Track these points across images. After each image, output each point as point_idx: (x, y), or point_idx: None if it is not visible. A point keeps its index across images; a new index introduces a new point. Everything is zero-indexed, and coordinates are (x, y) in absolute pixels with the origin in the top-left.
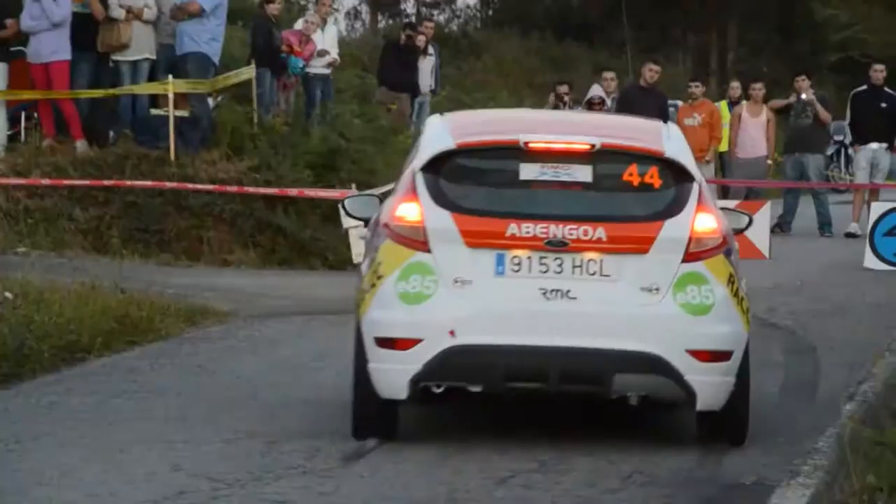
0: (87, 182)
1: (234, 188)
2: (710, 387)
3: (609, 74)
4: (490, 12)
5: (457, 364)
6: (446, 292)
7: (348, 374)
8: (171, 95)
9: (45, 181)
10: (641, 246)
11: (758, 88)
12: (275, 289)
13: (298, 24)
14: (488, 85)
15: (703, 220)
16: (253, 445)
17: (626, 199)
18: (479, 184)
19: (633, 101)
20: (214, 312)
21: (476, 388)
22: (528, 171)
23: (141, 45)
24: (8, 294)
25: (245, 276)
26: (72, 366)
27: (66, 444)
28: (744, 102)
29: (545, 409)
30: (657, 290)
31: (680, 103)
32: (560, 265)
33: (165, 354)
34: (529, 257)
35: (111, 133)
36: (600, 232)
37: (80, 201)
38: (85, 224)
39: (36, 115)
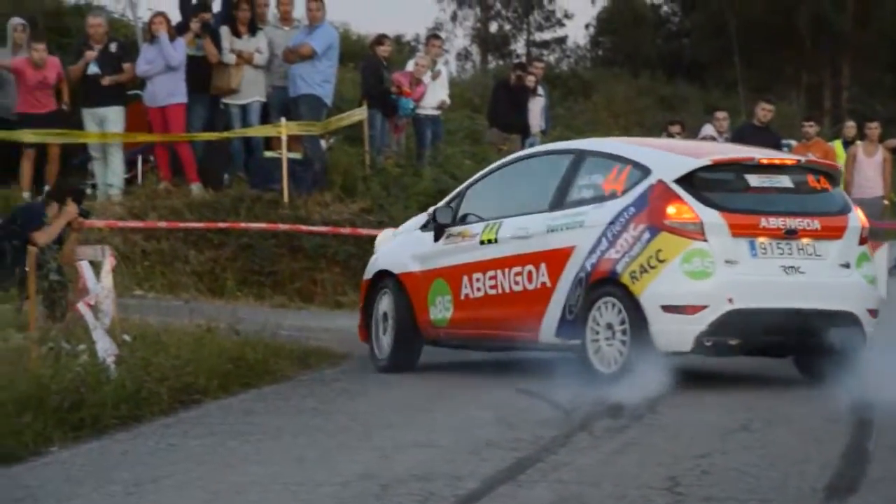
0: (202, 224)
1: (347, 230)
2: (870, 335)
3: (721, 114)
4: (600, 52)
5: (732, 323)
6: (722, 270)
7: (461, 415)
8: (283, 138)
9: (162, 224)
10: (839, 233)
11: (873, 127)
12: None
13: (409, 66)
14: (599, 125)
15: (860, 214)
16: (367, 488)
17: (821, 199)
18: (729, 190)
19: (747, 140)
20: (328, 354)
21: (737, 342)
22: (754, 181)
23: (251, 89)
24: (126, 337)
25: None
26: (189, 408)
27: (185, 487)
28: (859, 142)
29: (661, 447)
30: (849, 265)
31: (794, 143)
32: (791, 249)
33: (280, 396)
34: (771, 243)
35: (225, 176)
36: (815, 224)
37: (196, 244)
38: (200, 266)
39: (152, 158)
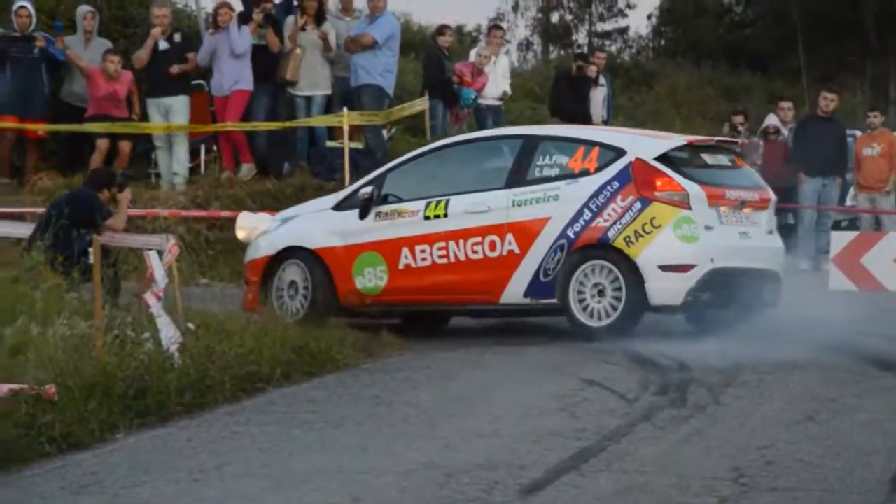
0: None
1: None
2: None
3: (786, 104)
4: (662, 42)
5: (713, 280)
6: (704, 235)
7: (523, 405)
8: (346, 127)
9: (225, 213)
10: (766, 204)
11: None
12: (452, 320)
13: (471, 56)
14: (661, 115)
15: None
16: (431, 477)
17: (748, 175)
18: (695, 166)
19: (811, 131)
20: (391, 343)
21: (712, 296)
22: (709, 159)
23: (317, 80)
24: (190, 325)
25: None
26: (252, 396)
27: (248, 475)
28: None
29: (726, 437)
30: (772, 232)
31: (858, 133)
32: (740, 218)
33: (343, 385)
34: (730, 212)
35: (285, 165)
36: (755, 196)
37: None
38: None
39: (215, 148)
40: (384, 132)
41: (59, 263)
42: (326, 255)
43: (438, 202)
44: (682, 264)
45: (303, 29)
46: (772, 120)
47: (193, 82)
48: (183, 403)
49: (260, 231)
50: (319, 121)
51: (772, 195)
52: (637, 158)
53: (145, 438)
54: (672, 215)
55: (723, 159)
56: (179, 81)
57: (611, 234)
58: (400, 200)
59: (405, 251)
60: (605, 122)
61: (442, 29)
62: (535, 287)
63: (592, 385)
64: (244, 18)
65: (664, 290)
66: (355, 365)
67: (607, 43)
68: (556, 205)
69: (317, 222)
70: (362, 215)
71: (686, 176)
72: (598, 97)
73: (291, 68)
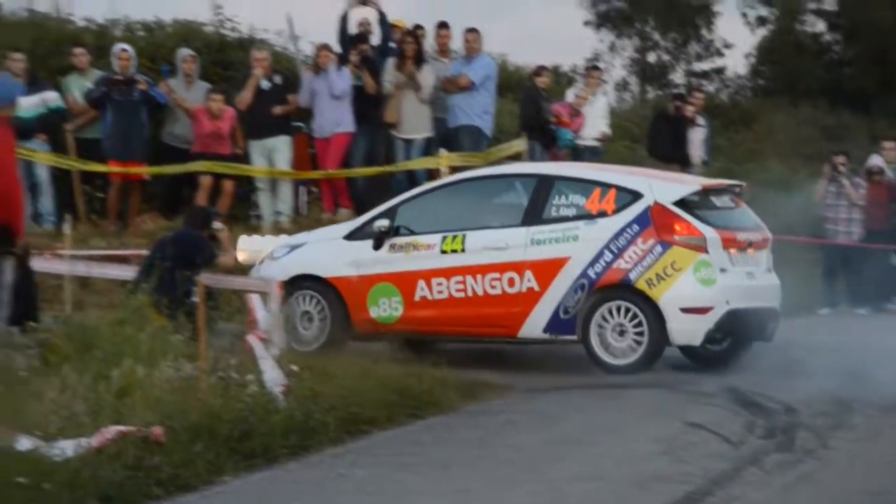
0: None
1: None
2: None
3: (889, 144)
4: (760, 81)
5: (728, 320)
6: (721, 277)
7: (626, 448)
8: (443, 169)
9: None
10: (766, 244)
11: None
12: (554, 361)
13: (568, 97)
14: (759, 155)
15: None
16: None
17: (747, 214)
18: (707, 209)
19: None
20: (493, 386)
21: (726, 335)
22: (717, 202)
23: (417, 123)
24: (294, 367)
25: (521, 348)
26: (357, 438)
27: None
28: None
29: (835, 482)
30: (770, 270)
31: None
32: (746, 258)
33: (447, 427)
34: (738, 254)
35: None
36: (758, 236)
37: None
38: None
39: (315, 189)
40: None
41: (164, 305)
42: (340, 284)
43: (455, 237)
44: (701, 306)
45: (401, 70)
46: (875, 160)
47: (293, 124)
48: (288, 446)
49: (263, 255)
50: (418, 163)
51: (769, 234)
52: (656, 202)
53: (252, 481)
54: (691, 259)
55: (727, 201)
56: (281, 123)
57: (632, 275)
58: (412, 233)
59: (421, 283)
60: (705, 163)
61: (539, 70)
62: (555, 323)
63: (696, 428)
64: (343, 60)
65: (685, 331)
66: (458, 407)
67: (704, 83)
68: (575, 245)
69: (329, 251)
70: (376, 246)
71: (701, 220)
72: (697, 137)
73: (391, 110)
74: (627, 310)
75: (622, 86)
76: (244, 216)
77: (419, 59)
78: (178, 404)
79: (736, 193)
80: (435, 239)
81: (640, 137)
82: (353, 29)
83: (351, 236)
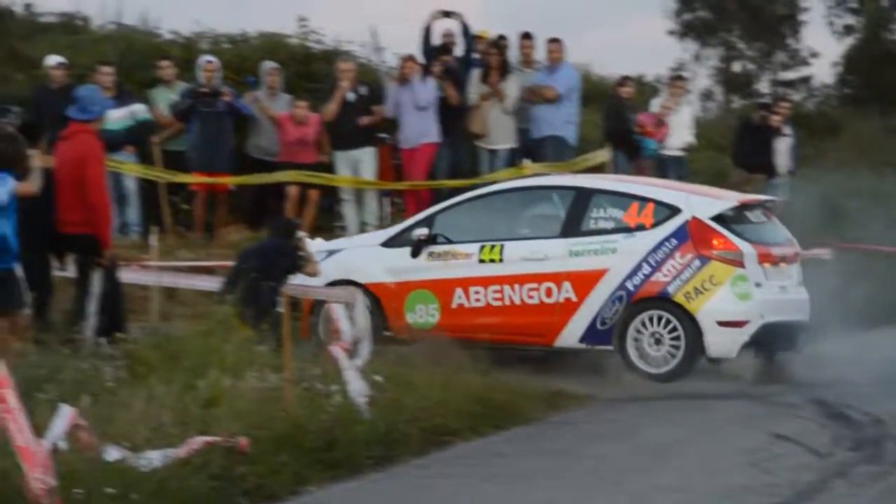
0: None
1: None
2: None
3: None
4: (847, 91)
5: (762, 333)
6: (755, 291)
7: (712, 459)
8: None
9: None
10: (796, 258)
11: None
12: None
13: (654, 106)
14: (847, 164)
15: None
16: None
17: (778, 229)
18: (743, 224)
19: None
20: (575, 396)
21: (760, 347)
22: (752, 216)
23: (501, 134)
24: (378, 377)
25: (601, 358)
26: (441, 449)
27: None
28: None
29: None
30: (801, 284)
31: None
32: (780, 272)
33: (530, 438)
34: (772, 268)
35: None
36: (789, 251)
37: None
38: None
39: (399, 200)
40: None
41: (249, 316)
42: (378, 290)
43: (493, 247)
44: (738, 320)
45: (486, 82)
46: None
47: (378, 135)
48: (372, 456)
49: None
50: (503, 174)
51: (799, 249)
52: (694, 217)
53: (337, 491)
54: (729, 273)
55: (759, 215)
56: (366, 134)
57: (671, 288)
58: (449, 241)
59: (458, 291)
60: (791, 173)
61: (623, 80)
62: (592, 334)
63: (783, 439)
64: (426, 71)
65: (722, 343)
66: (541, 418)
67: (790, 92)
68: (614, 257)
69: (367, 258)
70: (415, 254)
71: (737, 234)
72: (783, 147)
73: (476, 121)
74: (663, 319)
75: (707, 95)
76: (329, 227)
77: (504, 70)
78: (264, 415)
79: (767, 208)
80: (473, 248)
81: (724, 147)
82: (436, 40)
83: (388, 243)
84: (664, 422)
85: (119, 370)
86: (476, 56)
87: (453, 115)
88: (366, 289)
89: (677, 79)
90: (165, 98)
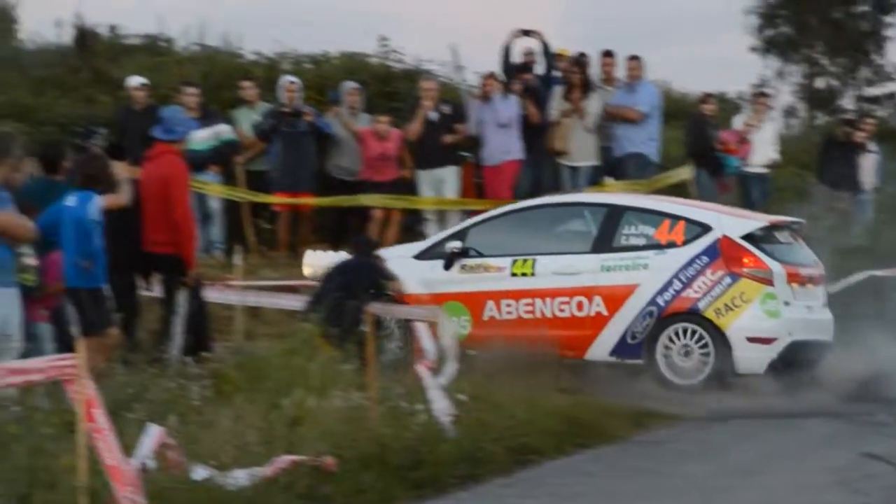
0: None
1: None
2: None
3: None
4: None
5: (790, 351)
6: (785, 310)
7: (800, 478)
8: None
9: None
10: (821, 280)
11: None
12: (720, 389)
13: (737, 123)
14: None
15: None
16: None
17: (805, 250)
18: (772, 244)
19: None
20: (660, 415)
21: (786, 365)
22: (781, 237)
23: (583, 152)
24: (462, 396)
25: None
26: (526, 468)
27: None
28: None
29: None
30: (825, 305)
31: None
32: (807, 293)
33: (616, 457)
34: (800, 288)
35: None
36: (816, 272)
37: None
38: None
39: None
40: None
41: (333, 335)
42: (410, 301)
43: (525, 261)
44: (767, 337)
45: (568, 99)
46: None
47: (460, 154)
48: (457, 475)
49: (325, 268)
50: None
51: (823, 270)
52: (724, 236)
53: None
54: (758, 291)
55: (787, 236)
56: (449, 153)
57: (701, 304)
58: (480, 255)
59: (490, 304)
60: (877, 189)
61: (705, 97)
62: (622, 347)
63: (873, 459)
64: (507, 89)
65: (750, 359)
66: (627, 437)
67: (875, 108)
68: (645, 273)
69: (400, 269)
70: (447, 266)
71: (767, 253)
72: (868, 163)
73: (558, 138)
74: (695, 332)
75: (790, 112)
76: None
77: (586, 87)
78: (349, 434)
79: (794, 230)
80: (505, 262)
81: (808, 164)
82: (516, 59)
83: (421, 255)
84: (751, 441)
85: (205, 389)
86: (557, 74)
87: (535, 133)
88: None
89: (760, 95)
90: (248, 118)
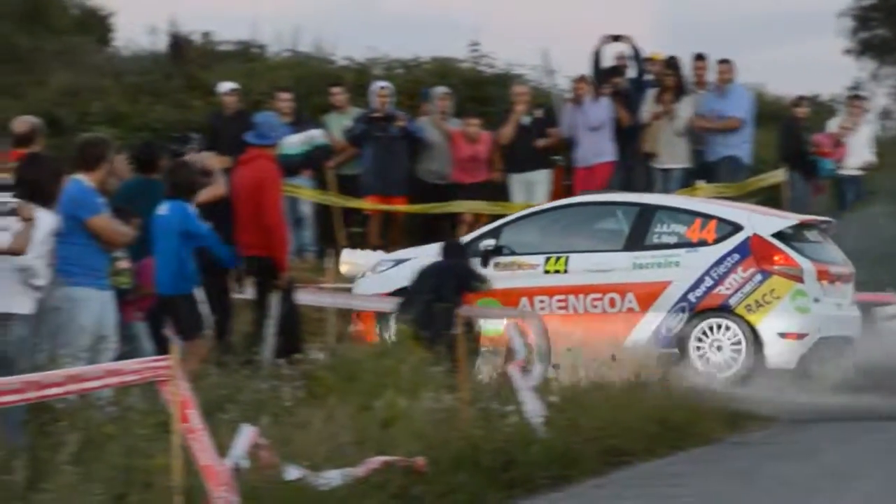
0: None
1: None
2: None
3: None
4: None
5: (820, 347)
6: (814, 306)
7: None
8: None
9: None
10: (851, 278)
11: None
12: (815, 389)
13: (831, 126)
14: None
15: None
16: None
17: (834, 249)
18: (802, 242)
19: None
20: (754, 416)
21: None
22: (810, 235)
23: (675, 154)
24: (553, 397)
25: (783, 380)
26: (618, 469)
27: None
28: None
29: None
30: (854, 303)
31: None
32: (836, 290)
33: (709, 459)
34: (829, 286)
35: None
36: (845, 270)
37: None
38: None
39: None
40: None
41: (424, 336)
42: None
43: (558, 258)
44: (797, 332)
45: (660, 102)
46: None
47: (554, 157)
48: (549, 476)
49: (365, 268)
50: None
51: (853, 269)
52: (755, 234)
53: None
54: (789, 288)
55: (815, 235)
56: (542, 156)
57: (732, 301)
58: (513, 253)
59: (524, 300)
60: None
61: (798, 100)
62: (654, 343)
63: None
64: (599, 92)
65: (781, 354)
66: (720, 438)
67: None
68: (677, 270)
69: None
70: (482, 264)
71: (797, 252)
72: None
73: (649, 141)
74: (727, 327)
75: (885, 114)
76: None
77: (680, 90)
78: (440, 435)
79: (823, 229)
80: (538, 259)
81: None
82: (606, 63)
83: None
84: (847, 443)
85: (297, 390)
86: (649, 78)
87: (628, 136)
88: None
89: (855, 98)
90: (338, 124)
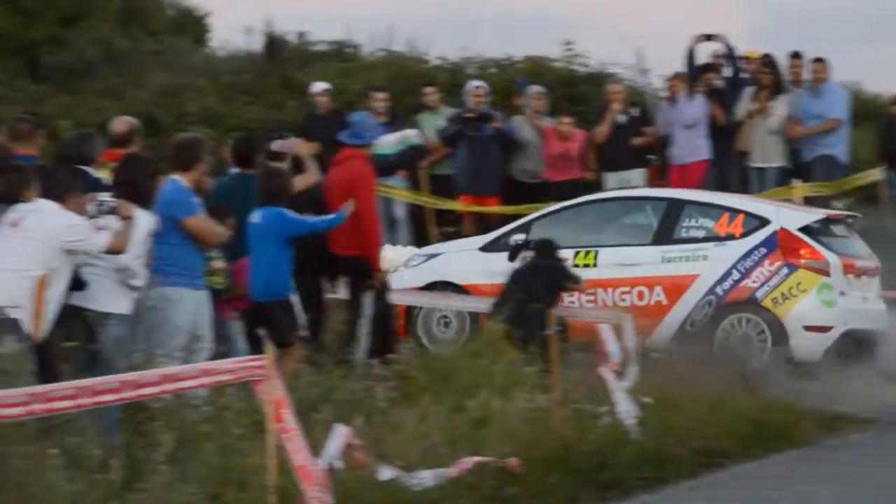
0: None
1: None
2: None
3: None
4: None
5: (845, 340)
6: (840, 300)
7: None
8: (797, 199)
9: None
10: (877, 272)
11: None
12: None
13: None
14: None
15: None
16: None
17: (860, 244)
18: (829, 237)
19: None
20: (853, 419)
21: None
22: (836, 230)
23: (770, 153)
24: (647, 399)
25: (882, 385)
26: (712, 471)
27: None
28: None
29: None
30: (880, 297)
31: None
32: (861, 284)
33: (806, 462)
34: (855, 279)
35: None
36: (871, 264)
37: None
38: None
39: None
40: (837, 203)
41: (518, 337)
42: (475, 291)
43: (588, 252)
44: (823, 325)
45: (756, 100)
46: None
47: (648, 156)
48: (642, 478)
49: (401, 262)
50: (771, 194)
51: (878, 263)
52: (782, 228)
53: None
54: (815, 281)
55: (842, 230)
56: (637, 155)
57: (759, 294)
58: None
59: None
60: None
61: None
62: (682, 335)
63: None
64: (693, 90)
65: (806, 347)
66: (816, 441)
67: None
68: (705, 264)
69: (464, 261)
70: (512, 258)
71: (823, 245)
72: None
73: (744, 139)
74: (754, 322)
75: None
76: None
77: (777, 89)
78: (533, 436)
79: (849, 224)
80: (568, 253)
81: None
82: (700, 61)
83: (486, 248)
84: None
85: (390, 391)
86: (745, 76)
87: (723, 134)
88: (463, 289)
89: None
90: (431, 124)
